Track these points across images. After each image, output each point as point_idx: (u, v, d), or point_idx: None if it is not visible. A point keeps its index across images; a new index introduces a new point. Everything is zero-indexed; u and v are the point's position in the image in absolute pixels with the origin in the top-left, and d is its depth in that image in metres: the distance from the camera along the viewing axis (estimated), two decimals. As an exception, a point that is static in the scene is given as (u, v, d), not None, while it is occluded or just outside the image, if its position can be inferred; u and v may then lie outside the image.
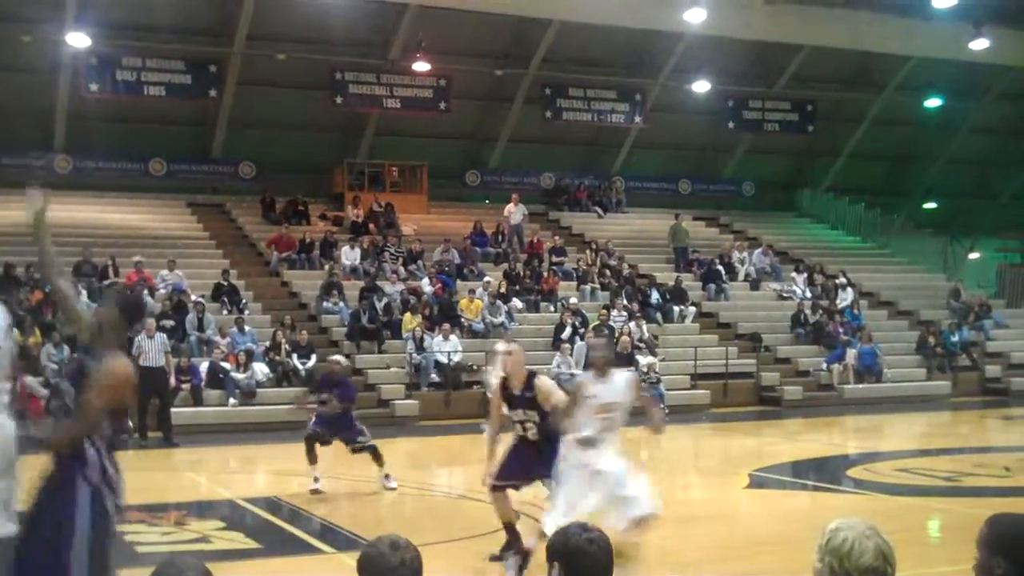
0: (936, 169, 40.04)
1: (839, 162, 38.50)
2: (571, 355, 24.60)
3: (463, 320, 25.72)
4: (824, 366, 27.22)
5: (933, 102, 36.68)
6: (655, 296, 28.62)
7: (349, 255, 27.95)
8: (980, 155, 39.85)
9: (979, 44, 31.16)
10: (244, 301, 25.44)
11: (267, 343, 23.55)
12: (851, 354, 27.18)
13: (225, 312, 24.77)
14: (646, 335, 26.31)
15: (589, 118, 34.13)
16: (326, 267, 27.18)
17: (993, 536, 3.68)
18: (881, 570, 3.49)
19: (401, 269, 27.90)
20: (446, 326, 24.63)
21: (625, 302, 27.62)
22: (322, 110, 31.21)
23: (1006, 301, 34.12)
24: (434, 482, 16.80)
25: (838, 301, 30.02)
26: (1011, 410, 26.14)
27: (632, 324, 26.25)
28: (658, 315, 27.99)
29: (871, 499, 12.72)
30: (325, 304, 25.78)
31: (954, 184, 40.64)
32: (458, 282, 27.65)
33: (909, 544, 8.31)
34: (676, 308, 28.41)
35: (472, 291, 26.62)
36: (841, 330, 28.24)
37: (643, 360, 25.16)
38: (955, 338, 29.08)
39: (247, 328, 23.70)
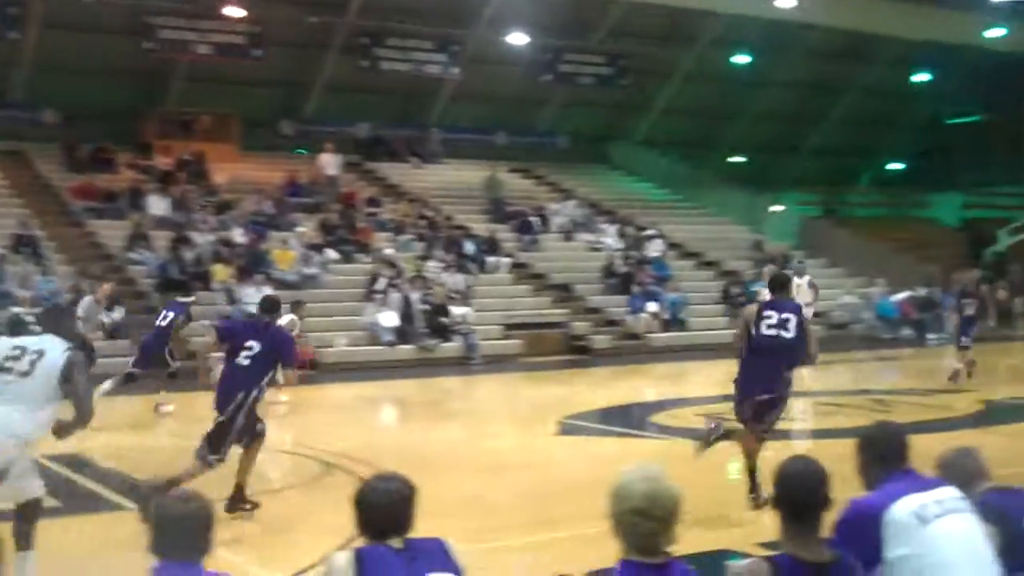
0: (744, 124, 41.26)
1: (652, 116, 39.28)
2: (385, 306, 24.64)
3: (275, 271, 25.39)
4: (632, 315, 27.87)
5: (741, 59, 37.74)
6: (470, 247, 28.79)
7: (158, 205, 27.24)
8: (785, 111, 41.19)
9: (786, 2, 32.07)
10: (46, 253, 24.53)
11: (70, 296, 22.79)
12: (654, 306, 27.92)
13: (28, 264, 23.86)
14: (461, 286, 26.52)
15: (406, 68, 33.91)
16: (134, 217, 26.44)
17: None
18: (647, 512, 3.68)
19: (212, 219, 27.36)
20: (258, 276, 24.29)
21: (441, 253, 27.73)
22: (131, 55, 30.13)
23: (806, 252, 35.38)
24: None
25: (647, 252, 30.70)
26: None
27: (447, 275, 26.40)
28: (473, 266, 28.18)
29: (674, 443, 13.15)
30: (131, 255, 25.11)
31: (760, 139, 41.95)
32: (271, 232, 27.23)
33: (703, 487, 8.66)
34: (491, 259, 28.65)
35: (285, 241, 26.28)
36: (649, 280, 28.94)
37: (456, 311, 25.38)
38: (756, 288, 30.06)
39: (52, 279, 22.93)
